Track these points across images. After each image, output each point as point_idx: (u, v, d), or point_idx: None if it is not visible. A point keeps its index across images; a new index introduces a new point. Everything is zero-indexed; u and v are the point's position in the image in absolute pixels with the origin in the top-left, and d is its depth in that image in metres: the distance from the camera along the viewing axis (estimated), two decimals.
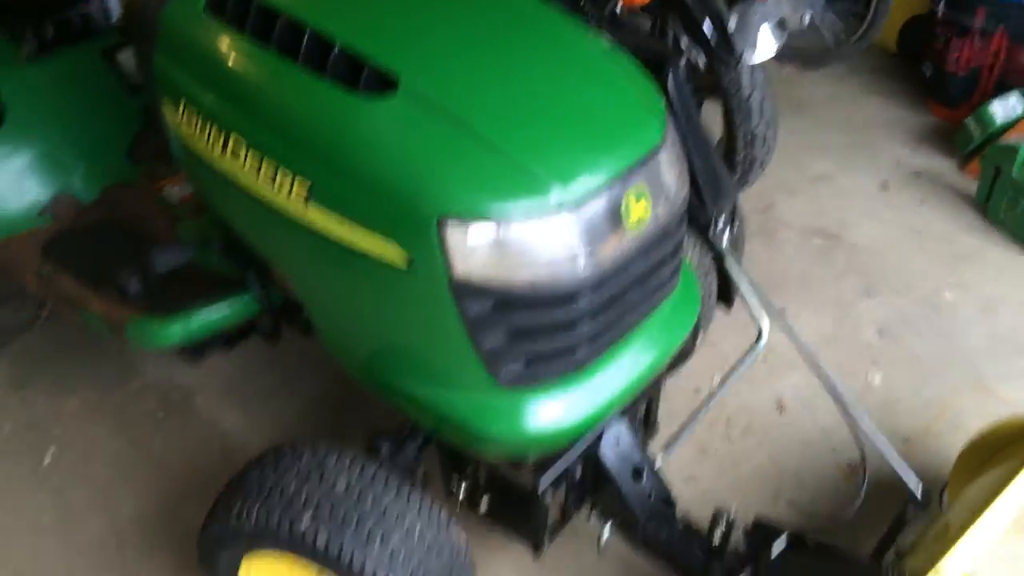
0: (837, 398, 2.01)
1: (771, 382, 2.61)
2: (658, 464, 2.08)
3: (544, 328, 1.56)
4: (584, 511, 2.04)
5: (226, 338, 2.25)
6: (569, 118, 1.54)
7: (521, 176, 1.45)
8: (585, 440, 1.88)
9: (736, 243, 2.55)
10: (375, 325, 1.65)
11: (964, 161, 3.35)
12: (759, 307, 2.18)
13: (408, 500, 1.70)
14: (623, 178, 1.51)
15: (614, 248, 1.53)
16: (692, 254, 2.31)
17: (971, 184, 3.27)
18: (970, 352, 2.64)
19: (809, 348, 2.09)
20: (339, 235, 1.51)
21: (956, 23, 3.43)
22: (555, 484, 1.85)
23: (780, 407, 2.54)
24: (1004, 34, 3.36)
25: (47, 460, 2.47)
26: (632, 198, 1.53)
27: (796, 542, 1.87)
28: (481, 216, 1.43)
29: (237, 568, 1.81)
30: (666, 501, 1.98)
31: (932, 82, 3.66)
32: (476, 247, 1.45)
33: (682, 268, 1.89)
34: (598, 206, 1.49)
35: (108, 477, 2.41)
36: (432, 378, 1.66)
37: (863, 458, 2.01)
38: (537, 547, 1.95)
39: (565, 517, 1.99)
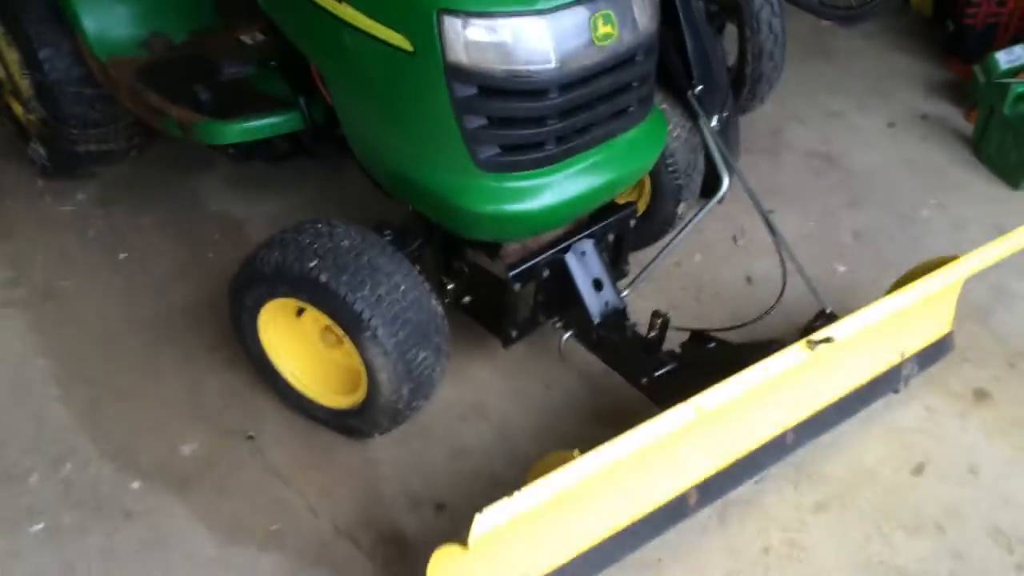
0: (762, 215, 2.34)
1: (745, 263, 2.93)
2: (624, 294, 2.45)
3: (517, 118, 1.94)
4: (552, 329, 2.41)
5: (272, 152, 2.69)
6: None
7: None
8: (554, 246, 2.25)
9: (730, 138, 2.87)
10: (386, 111, 2.05)
11: (970, 108, 3.59)
12: (722, 163, 2.51)
13: (398, 264, 2.10)
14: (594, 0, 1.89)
15: (581, 56, 1.90)
16: (681, 131, 2.66)
17: (972, 129, 3.51)
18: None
19: (751, 188, 2.44)
20: (362, 26, 1.93)
21: None
22: (524, 280, 2.22)
23: (749, 281, 2.85)
24: None
25: (121, 257, 2.95)
26: (600, 19, 1.90)
27: (720, 342, 2.21)
28: (473, 12, 1.82)
29: (258, 313, 2.24)
30: (620, 313, 2.33)
31: (953, 38, 3.90)
32: (466, 37, 1.83)
33: (653, 109, 2.25)
34: (570, 17, 1.87)
35: (167, 274, 2.87)
36: (428, 161, 2.05)
37: (783, 274, 2.37)
38: (506, 338, 2.33)
39: (534, 318, 2.36)
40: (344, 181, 3.19)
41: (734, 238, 3.01)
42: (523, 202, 2.04)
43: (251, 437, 2.35)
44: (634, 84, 2.08)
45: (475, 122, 1.94)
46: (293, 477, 2.25)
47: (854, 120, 3.68)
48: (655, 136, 2.25)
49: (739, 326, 2.34)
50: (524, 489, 1.52)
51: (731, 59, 3.26)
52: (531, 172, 2.02)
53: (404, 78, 1.96)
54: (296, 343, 2.31)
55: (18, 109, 3.13)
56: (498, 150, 1.98)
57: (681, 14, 2.53)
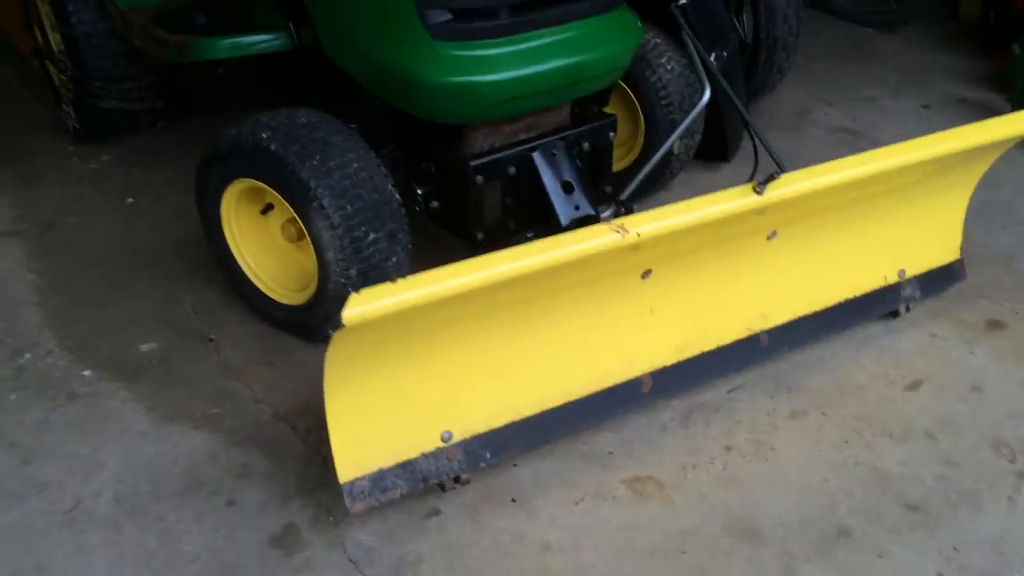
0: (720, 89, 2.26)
1: None
2: (605, 214, 2.34)
3: None
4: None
5: (262, 81, 2.72)
6: None
7: None
8: (520, 142, 2.18)
9: (735, 86, 2.77)
10: None
11: (1011, 92, 3.40)
12: (703, 71, 2.42)
13: (353, 143, 2.08)
14: None
15: None
16: (676, 65, 2.59)
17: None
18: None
19: (712, 65, 2.43)
20: None
21: None
22: (489, 174, 2.15)
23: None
24: None
25: (128, 201, 3.01)
26: None
27: None
28: None
29: (220, 201, 2.22)
30: (591, 219, 2.22)
31: (996, 29, 3.75)
32: None
33: (623, 7, 2.19)
34: None
35: (167, 216, 2.90)
36: (385, 34, 2.04)
37: (755, 147, 2.33)
38: (473, 240, 2.24)
39: (503, 224, 2.27)
40: None
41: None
42: (478, 73, 1.99)
43: (211, 339, 2.30)
44: None
45: None
46: (244, 372, 2.18)
47: (886, 104, 3.53)
48: (625, 31, 2.18)
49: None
50: (411, 276, 1.41)
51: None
52: (485, 41, 1.98)
53: None
54: (258, 240, 2.28)
55: (54, 74, 3.29)
56: (449, 15, 1.95)
57: None
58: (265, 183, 2.07)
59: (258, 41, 2.51)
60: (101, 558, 1.70)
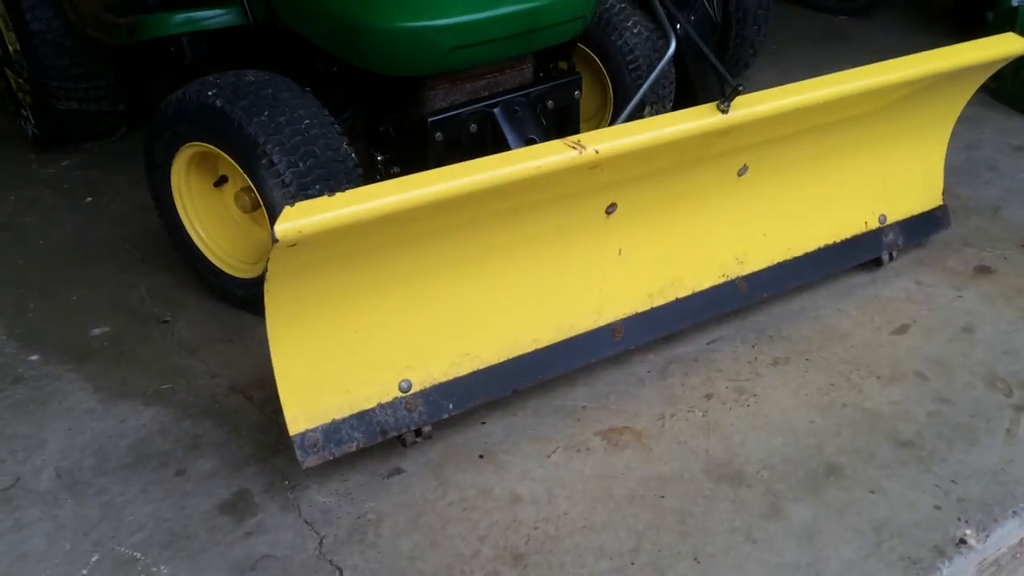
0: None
1: None
2: None
3: None
4: None
5: (215, 58, 2.65)
6: None
7: None
8: (480, 99, 2.10)
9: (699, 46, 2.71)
10: None
11: None
12: (666, 22, 2.35)
13: (304, 100, 1.99)
14: None
15: None
16: (640, 27, 2.52)
17: None
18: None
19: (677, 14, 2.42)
20: None
21: None
22: (448, 130, 2.07)
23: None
24: None
25: (87, 200, 2.91)
26: None
27: None
28: None
29: (169, 172, 2.13)
30: None
31: (967, 7, 3.71)
32: None
33: None
34: None
35: (125, 212, 2.81)
36: None
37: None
38: None
39: None
40: None
41: None
42: (430, 18, 1.91)
43: (166, 321, 2.20)
44: None
45: None
46: (200, 349, 2.08)
47: None
48: None
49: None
50: (351, 190, 1.32)
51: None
52: None
53: None
54: (211, 214, 2.18)
55: (11, 77, 3.22)
56: None
57: None
58: (213, 144, 1.98)
59: (210, 16, 2.44)
60: (38, 532, 1.57)
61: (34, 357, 2.08)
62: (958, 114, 2.12)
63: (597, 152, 1.47)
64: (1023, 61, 2.94)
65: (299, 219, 1.25)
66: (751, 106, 1.64)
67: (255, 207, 2.06)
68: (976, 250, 2.23)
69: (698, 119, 1.57)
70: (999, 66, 1.98)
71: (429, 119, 2.04)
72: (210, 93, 1.94)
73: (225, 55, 2.66)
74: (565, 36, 2.16)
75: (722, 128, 1.60)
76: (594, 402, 1.78)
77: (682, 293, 1.85)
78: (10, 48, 3.07)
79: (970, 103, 3.11)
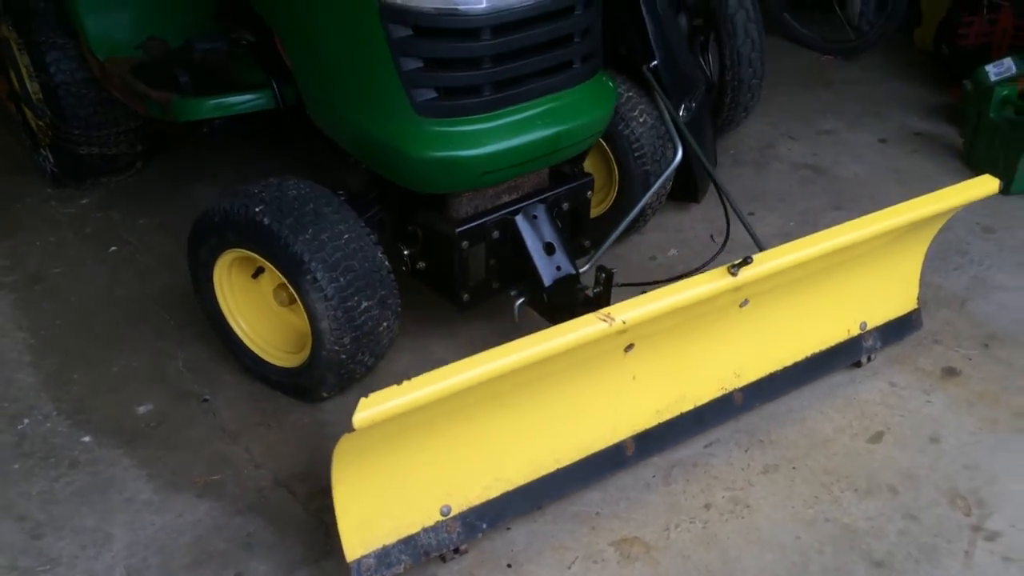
0: (707, 168, 2.35)
1: (720, 259, 2.88)
2: (583, 269, 2.45)
3: (452, 59, 2.00)
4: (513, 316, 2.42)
5: (246, 128, 2.79)
6: None
7: None
8: (504, 209, 2.28)
9: (701, 136, 2.90)
10: (330, 59, 2.13)
11: (963, 127, 3.56)
12: (675, 131, 2.53)
13: (343, 214, 2.15)
14: None
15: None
16: (648, 118, 2.69)
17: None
18: None
19: (683, 127, 2.50)
20: None
21: (969, 1, 3.70)
22: (474, 238, 2.25)
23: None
24: (1010, 11, 3.60)
25: (111, 249, 3.05)
26: None
27: None
28: None
29: (212, 269, 2.29)
30: (572, 278, 2.33)
31: (948, 61, 3.91)
32: None
33: (600, 73, 2.29)
34: None
35: (152, 265, 2.96)
36: (370, 108, 2.12)
37: (728, 222, 2.34)
38: (459, 301, 2.34)
39: (487, 284, 2.37)
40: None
41: (712, 236, 3.00)
42: (463, 148, 2.08)
43: (206, 400, 2.37)
44: (575, 38, 2.13)
45: (411, 64, 2.00)
46: (241, 435, 2.26)
47: (846, 137, 3.68)
48: (601, 98, 2.29)
49: (685, 276, 2.30)
50: (416, 378, 1.51)
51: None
52: (469, 117, 2.07)
53: (344, 24, 2.05)
54: (251, 304, 2.35)
55: (31, 119, 3.31)
56: (435, 94, 2.04)
57: (642, 2, 2.61)
58: (258, 254, 2.15)
59: (241, 101, 2.58)
60: None
61: (87, 438, 2.26)
62: (937, 231, 2.33)
63: (624, 323, 1.67)
64: (995, 128, 3.19)
65: (375, 408, 1.44)
66: (759, 265, 1.83)
67: (292, 301, 2.23)
68: (944, 348, 2.46)
69: (714, 283, 1.78)
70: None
71: (457, 230, 2.22)
72: (257, 210, 2.09)
73: (253, 131, 2.82)
74: (583, 149, 2.34)
75: (734, 287, 1.81)
76: (606, 508, 2.00)
77: (685, 408, 2.07)
78: (33, 97, 3.17)
79: (943, 172, 3.35)
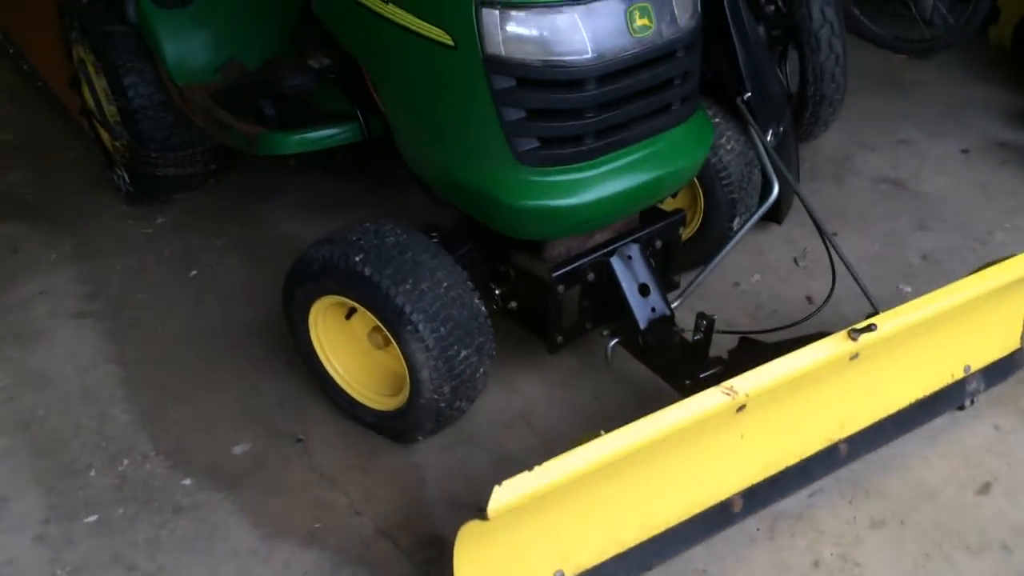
0: (817, 223, 2.31)
1: (806, 283, 2.86)
2: (674, 304, 2.41)
3: (556, 110, 1.97)
4: (600, 342, 2.39)
5: (330, 163, 2.79)
6: None
7: None
8: (599, 250, 2.25)
9: (786, 156, 2.84)
10: (429, 106, 2.11)
11: None
12: (771, 169, 2.48)
13: (441, 261, 2.14)
14: None
15: (618, 47, 1.93)
16: (735, 144, 2.64)
17: None
18: None
19: (777, 160, 2.44)
20: (406, 23, 2.00)
21: None
22: (568, 282, 2.23)
23: (810, 300, 2.78)
24: None
25: (192, 274, 3.07)
26: (636, 11, 1.93)
27: (769, 345, 2.16)
28: (510, 4, 1.87)
29: (308, 311, 2.29)
30: (667, 320, 2.30)
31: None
32: (504, 29, 1.88)
33: (698, 110, 2.25)
34: (605, 7, 1.90)
35: (233, 291, 2.97)
36: (469, 156, 2.09)
37: (833, 279, 2.29)
38: (552, 343, 2.32)
39: (580, 324, 2.35)
40: (407, 206, 3.26)
41: (795, 260, 2.95)
42: (563, 197, 2.05)
43: (300, 440, 2.39)
44: (676, 81, 2.09)
45: (514, 114, 1.97)
46: (338, 479, 2.27)
47: (925, 147, 3.59)
48: (700, 137, 2.25)
49: (787, 326, 2.28)
50: (546, 463, 1.50)
51: (796, 85, 3.25)
52: (571, 166, 2.04)
53: (445, 73, 2.02)
54: (345, 345, 2.35)
55: (105, 137, 3.32)
56: (537, 143, 2.01)
57: (731, 22, 2.54)
58: (358, 303, 2.14)
59: (327, 136, 2.57)
60: None
61: (187, 481, 2.28)
62: None
63: (747, 395, 1.64)
64: None
65: (508, 498, 1.44)
66: (882, 328, 1.79)
67: (387, 343, 2.22)
68: None
69: (833, 348, 1.75)
70: None
71: (553, 274, 2.19)
72: (357, 259, 2.08)
73: (339, 161, 2.81)
74: (680, 188, 2.30)
75: (854, 351, 1.77)
76: (713, 564, 1.99)
77: (791, 461, 2.04)
78: (110, 119, 3.17)
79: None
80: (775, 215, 3.08)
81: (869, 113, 3.80)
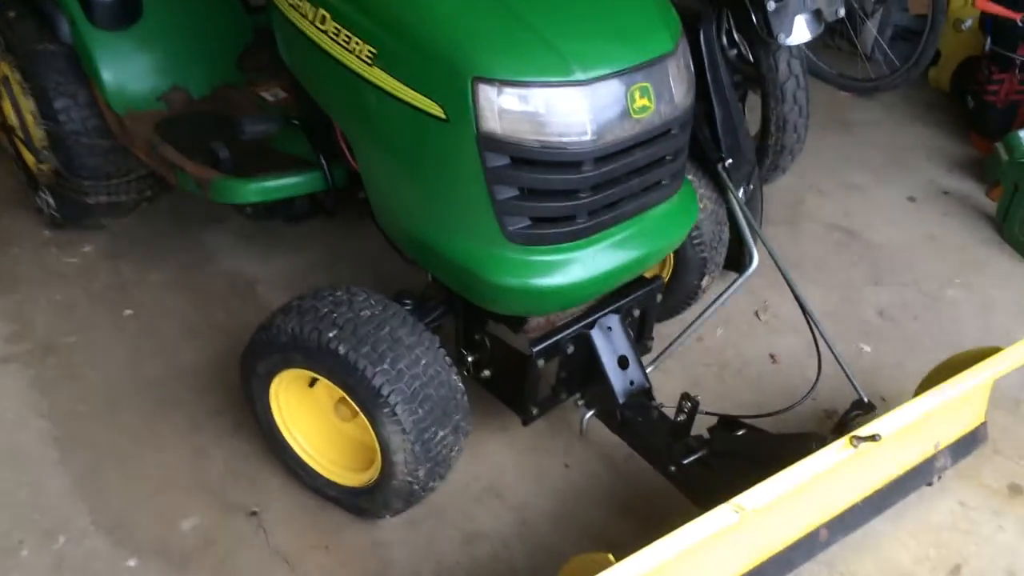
0: (802, 305, 2.28)
1: (769, 339, 2.85)
2: (648, 370, 2.35)
3: (550, 190, 1.87)
4: (573, 405, 2.33)
5: (290, 214, 2.63)
6: (597, 16, 1.88)
7: (547, 53, 1.78)
8: (579, 321, 2.17)
9: (753, 207, 2.82)
10: (414, 177, 1.98)
11: (992, 186, 3.55)
12: (751, 241, 2.45)
13: (419, 336, 2.02)
14: (632, 72, 1.83)
15: (617, 130, 1.84)
16: (708, 202, 2.59)
17: (995, 207, 3.46)
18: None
19: (785, 267, 2.37)
20: (393, 90, 1.86)
21: (1000, 57, 3.66)
22: (548, 356, 2.14)
23: (773, 359, 2.77)
24: None
25: (126, 313, 2.86)
26: (638, 91, 1.84)
27: (751, 429, 2.12)
28: (508, 80, 1.76)
29: (270, 383, 2.14)
30: (645, 393, 2.25)
31: (974, 114, 3.88)
32: (501, 106, 1.77)
33: (684, 183, 2.19)
34: (607, 90, 1.81)
35: (174, 334, 2.78)
36: (455, 231, 1.98)
37: (819, 363, 2.27)
38: (527, 415, 2.24)
39: (555, 395, 2.27)
40: (360, 239, 3.12)
41: (756, 313, 2.94)
42: (551, 277, 1.96)
43: (255, 513, 2.24)
44: (668, 158, 2.02)
45: (506, 193, 1.87)
46: (298, 559, 2.14)
47: (874, 193, 3.63)
48: (686, 210, 2.19)
49: (770, 414, 2.25)
50: None
51: (753, 129, 3.23)
52: (560, 246, 1.94)
53: (435, 146, 1.90)
54: (308, 414, 2.22)
55: (29, 158, 3.07)
56: (528, 222, 1.91)
57: (711, 86, 2.49)
58: (330, 380, 2.01)
59: (288, 185, 2.42)
60: None
61: (132, 562, 2.11)
62: None
63: (755, 511, 1.60)
64: None
65: None
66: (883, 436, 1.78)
67: (355, 415, 2.10)
68: (1006, 460, 2.46)
69: (836, 455, 1.75)
70: None
71: (533, 349, 2.10)
72: (331, 335, 1.94)
73: (297, 210, 2.65)
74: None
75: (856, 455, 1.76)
76: None
77: (776, 551, 2.00)
78: (37, 144, 2.92)
79: (976, 241, 3.33)
80: (736, 265, 3.06)
81: (818, 153, 3.81)
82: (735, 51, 3.19)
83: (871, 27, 4.39)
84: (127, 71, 2.71)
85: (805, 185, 3.63)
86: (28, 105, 2.86)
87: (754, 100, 3.33)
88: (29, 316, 2.82)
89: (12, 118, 3.04)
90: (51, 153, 2.88)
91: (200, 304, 2.90)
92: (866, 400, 2.14)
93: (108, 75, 2.68)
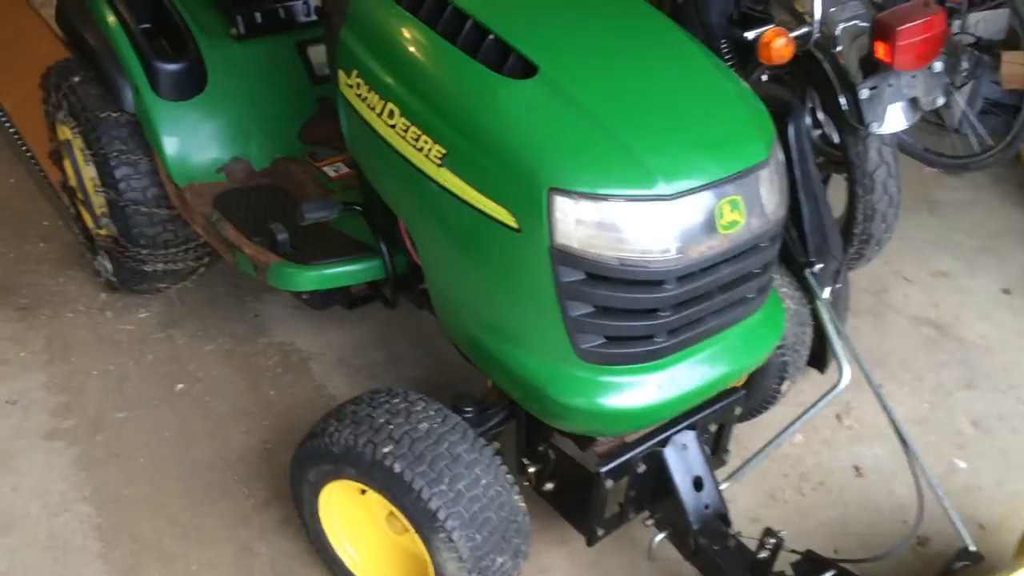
0: (903, 440, 2.07)
1: (852, 447, 2.64)
2: (723, 486, 2.18)
3: (627, 308, 1.72)
4: (640, 521, 2.15)
5: (349, 299, 2.52)
6: (683, 123, 1.73)
7: (629, 164, 1.64)
8: (652, 437, 2.01)
9: (838, 306, 2.63)
10: (480, 284, 1.85)
11: None
12: (842, 352, 2.26)
13: (480, 453, 1.87)
14: (722, 185, 1.68)
15: (703, 246, 1.68)
16: (790, 302, 2.41)
17: None
18: None
19: (886, 400, 2.16)
20: (463, 195, 1.74)
21: None
22: (617, 475, 1.98)
23: (858, 471, 2.57)
24: None
25: (178, 388, 2.78)
26: (727, 205, 1.69)
27: (841, 573, 1.92)
28: (586, 193, 1.62)
29: (319, 491, 2.02)
30: (722, 517, 2.07)
31: None
32: (578, 219, 1.63)
33: (770, 293, 2.02)
34: (694, 204, 1.66)
35: (226, 412, 2.68)
36: (521, 343, 1.84)
37: (920, 505, 2.04)
38: (591, 536, 2.07)
39: (623, 514, 2.10)
40: (417, 316, 2.98)
41: (838, 416, 2.74)
42: (624, 398, 1.80)
43: None
44: (755, 272, 1.86)
45: (580, 309, 1.72)
46: None
47: (963, 283, 3.39)
48: (773, 323, 2.02)
49: (862, 560, 2.03)
50: None
51: (835, 211, 3.05)
52: (636, 366, 1.79)
53: (504, 255, 1.76)
54: (359, 523, 2.08)
55: (88, 221, 3.03)
56: (602, 340, 1.76)
57: (799, 182, 2.32)
58: (383, 495, 1.87)
59: (347, 272, 2.31)
60: None
61: None
62: None
63: None
64: None
65: None
66: None
67: (407, 529, 1.96)
68: None
69: None
70: None
71: (601, 469, 1.94)
72: (386, 451, 1.81)
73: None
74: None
75: None
76: None
77: None
78: (96, 210, 2.88)
79: None
80: (819, 363, 2.87)
81: (903, 236, 3.56)
82: (819, 131, 3.03)
83: (960, 100, 4.17)
84: (190, 142, 2.64)
85: (889, 271, 3.42)
86: (89, 172, 2.82)
87: (836, 179, 3.17)
88: (80, 387, 2.75)
89: (73, 178, 3.01)
90: (110, 220, 2.83)
91: (252, 379, 2.80)
92: (972, 549, 1.92)
93: (170, 146, 2.61)
